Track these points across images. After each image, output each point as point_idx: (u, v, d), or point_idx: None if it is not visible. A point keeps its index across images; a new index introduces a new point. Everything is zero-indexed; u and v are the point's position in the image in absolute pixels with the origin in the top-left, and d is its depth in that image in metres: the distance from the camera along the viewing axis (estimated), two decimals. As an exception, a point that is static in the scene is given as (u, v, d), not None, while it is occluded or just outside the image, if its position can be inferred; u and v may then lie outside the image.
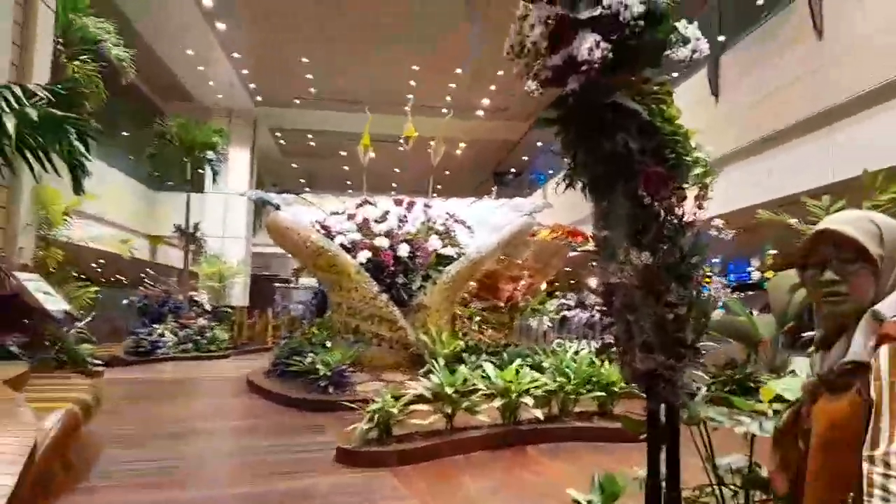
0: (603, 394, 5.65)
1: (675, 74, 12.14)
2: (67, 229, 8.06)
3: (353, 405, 5.39)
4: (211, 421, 6.38)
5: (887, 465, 0.94)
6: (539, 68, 2.21)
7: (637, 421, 2.33)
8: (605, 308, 2.45)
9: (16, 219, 6.78)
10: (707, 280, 2.23)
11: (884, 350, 1.03)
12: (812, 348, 1.30)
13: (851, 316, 1.15)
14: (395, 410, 4.80)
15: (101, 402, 4.85)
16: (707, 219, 2.30)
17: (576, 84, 2.20)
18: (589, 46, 1.96)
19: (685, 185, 2.35)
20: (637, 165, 2.20)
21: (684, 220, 2.28)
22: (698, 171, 2.33)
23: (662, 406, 2.18)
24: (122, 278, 15.24)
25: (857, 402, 1.05)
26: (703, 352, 2.23)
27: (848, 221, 1.20)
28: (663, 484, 2.12)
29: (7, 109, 4.28)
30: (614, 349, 2.42)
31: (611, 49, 1.98)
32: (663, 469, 2.14)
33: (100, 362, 8.71)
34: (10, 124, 4.20)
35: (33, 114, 4.38)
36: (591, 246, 2.62)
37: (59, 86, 5.08)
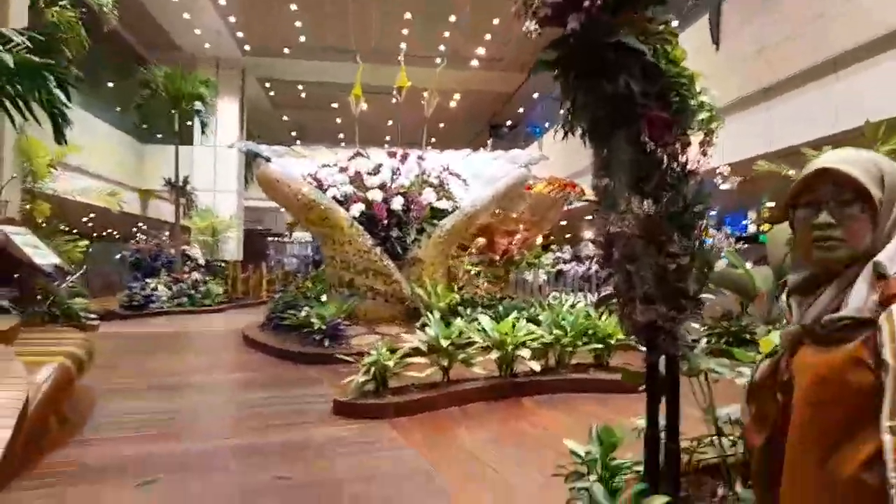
0: (600, 346, 5.67)
1: (675, 23, 11.87)
2: (53, 182, 7.89)
3: (348, 358, 5.39)
4: (206, 374, 6.39)
5: None
6: (538, 6, 2.09)
7: (636, 373, 2.30)
8: (604, 259, 2.39)
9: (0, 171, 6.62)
10: (706, 232, 2.17)
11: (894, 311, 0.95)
12: (787, 293, 1.21)
13: (843, 263, 1.08)
14: (390, 363, 4.80)
15: (93, 356, 4.82)
16: (711, 167, 2.22)
17: (576, 23, 2.08)
18: (593, -21, 1.85)
19: (689, 131, 2.26)
20: (640, 109, 2.10)
21: (688, 167, 2.21)
22: (703, 116, 2.24)
23: (662, 357, 2.14)
24: (114, 232, 15.09)
25: (855, 359, 0.98)
26: (704, 303, 2.18)
27: (850, 161, 1.10)
28: (662, 435, 2.11)
29: (-19, 55, 4.09)
30: (614, 301, 2.38)
31: (615, -17, 1.86)
32: (662, 420, 2.12)
33: (94, 316, 8.68)
34: (-14, 71, 4.02)
35: (9, 60, 4.20)
36: (590, 196, 2.54)
37: (37, 32, 4.86)
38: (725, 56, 10.97)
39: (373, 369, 4.75)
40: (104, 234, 14.89)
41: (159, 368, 6.54)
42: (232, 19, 17.54)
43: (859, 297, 1.02)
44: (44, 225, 8.06)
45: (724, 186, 3.30)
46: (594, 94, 2.13)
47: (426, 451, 3.84)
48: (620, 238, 2.17)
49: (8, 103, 4.49)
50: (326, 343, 6.99)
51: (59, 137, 4.93)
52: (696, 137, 2.18)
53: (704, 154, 2.22)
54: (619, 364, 5.79)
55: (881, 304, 0.98)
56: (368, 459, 3.70)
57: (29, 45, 4.61)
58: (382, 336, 7.01)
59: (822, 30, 8.74)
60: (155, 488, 3.18)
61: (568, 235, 16.52)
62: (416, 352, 5.08)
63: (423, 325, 5.49)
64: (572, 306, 6.76)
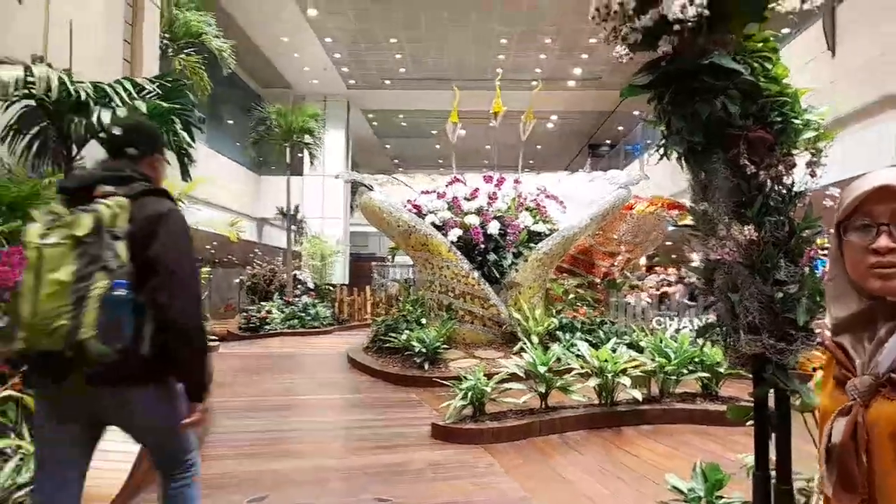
0: (707, 375, 5.38)
1: (784, 31, 11.19)
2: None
3: (446, 382, 5.45)
4: (313, 394, 6.68)
5: None
6: (627, 31, 2.07)
7: (743, 408, 2.18)
8: (705, 287, 2.29)
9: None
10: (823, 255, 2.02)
11: None
12: (833, 331, 1.06)
13: None
14: (487, 388, 4.80)
15: (212, 377, 5.17)
16: (821, 188, 2.08)
17: (668, 46, 2.04)
18: (681, 3, 1.81)
19: (794, 151, 2.14)
20: (738, 131, 2.02)
21: (794, 189, 2.08)
22: (809, 134, 2.11)
23: (771, 391, 2.01)
24: (234, 258, 16.21)
25: None
26: (818, 332, 2.03)
27: None
28: (773, 475, 1.97)
29: (120, 104, 4.59)
30: (717, 330, 2.27)
31: (706, 5, 1.81)
32: (773, 458, 1.98)
33: (215, 338, 9.35)
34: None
35: (143, 106, 4.67)
36: (689, 220, 2.46)
37: (165, 78, 5.38)
38: (843, 63, 10.20)
39: (470, 394, 4.78)
40: (225, 260, 16.00)
41: (272, 388, 6.91)
42: (337, 55, 18.53)
43: None
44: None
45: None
46: (690, 118, 2.07)
47: (523, 479, 3.80)
48: (722, 265, 2.08)
49: (142, 146, 4.97)
50: (426, 366, 7.10)
51: (185, 175, 5.40)
52: (802, 158, 2.05)
53: (813, 175, 2.09)
54: (730, 394, 5.47)
55: None
56: (466, 485, 3.71)
57: (159, 91, 5.12)
58: (480, 360, 7.03)
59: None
60: (264, 505, 3.36)
61: (674, 256, 15.83)
62: (513, 377, 5.06)
63: (521, 350, 5.46)
64: (677, 331, 6.46)
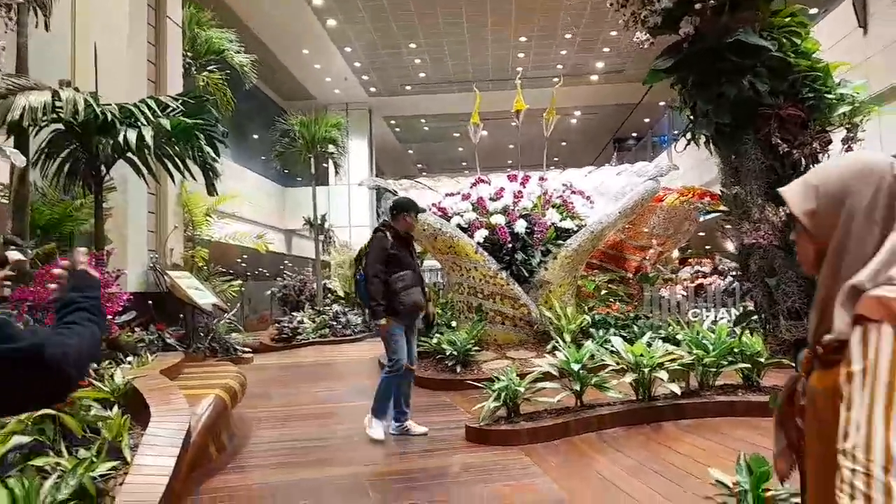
0: (747, 365, 5.23)
1: (812, 11, 10.88)
2: (210, 228, 8.74)
3: (479, 384, 5.39)
4: (347, 401, 6.69)
5: (854, 458, 0.87)
6: (647, 14, 2.01)
7: (786, 397, 2.08)
8: (741, 272, 2.22)
9: (164, 222, 7.45)
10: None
11: (855, 333, 0.93)
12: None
13: (812, 275, 1.07)
14: (521, 388, 4.74)
15: (245, 388, 5.23)
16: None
17: (690, 27, 1.98)
18: (702, -21, 1.75)
19: (829, 128, 2.05)
20: (769, 110, 1.94)
21: (831, 167, 1.98)
22: (844, 109, 2.01)
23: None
24: (264, 271, 16.43)
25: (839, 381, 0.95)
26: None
27: (794, 183, 1.09)
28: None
29: (145, 122, 4.67)
30: (755, 317, 2.19)
31: (728, -21, 1.75)
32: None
33: (248, 350, 9.46)
34: (149, 135, 4.57)
35: (167, 124, 4.76)
36: (723, 207, 2.38)
37: (189, 96, 5.47)
38: (875, 40, 9.87)
39: (503, 395, 4.72)
40: (256, 272, 16.22)
41: (305, 397, 6.94)
42: (357, 64, 18.68)
43: (840, 319, 0.98)
44: (203, 268, 8.95)
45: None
46: (716, 100, 2.00)
47: (562, 479, 3.73)
48: (757, 250, 2.00)
49: (168, 162, 5.06)
50: (458, 369, 7.05)
51: (211, 189, 5.48)
52: (837, 134, 1.97)
53: (850, 151, 2.00)
54: (773, 383, 5.31)
55: (852, 324, 0.94)
56: (503, 487, 3.65)
57: (182, 108, 5.21)
58: (512, 361, 6.96)
59: None
60: (301, 513, 3.35)
61: (707, 247, 15.51)
62: (546, 376, 4.98)
63: (554, 349, 5.38)
64: (714, 323, 6.31)
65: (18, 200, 4.86)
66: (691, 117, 2.25)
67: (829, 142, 2.06)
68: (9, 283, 1.38)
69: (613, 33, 16.29)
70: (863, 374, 0.90)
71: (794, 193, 1.08)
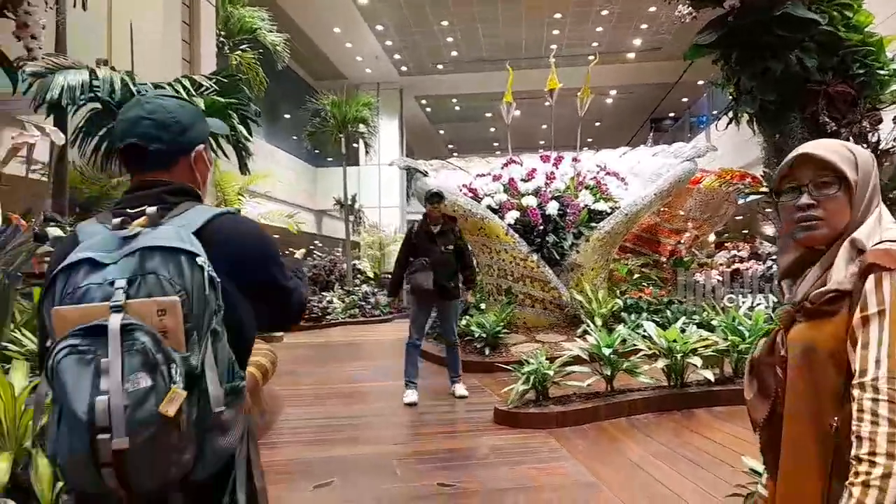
0: (784, 353, 5.09)
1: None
2: (242, 208, 8.83)
3: (507, 367, 5.36)
4: (375, 381, 6.74)
5: (876, 389, 0.97)
6: (690, -15, 1.92)
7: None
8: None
9: (199, 201, 7.54)
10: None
11: (869, 281, 1.03)
12: (778, 277, 1.30)
13: (824, 242, 1.14)
14: (550, 372, 4.70)
15: (276, 365, 5.29)
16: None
17: (736, -1, 1.87)
18: (752, -55, 1.65)
19: (880, 106, 1.94)
20: (816, 86, 1.84)
21: (880, 147, 1.89)
22: (899, 86, 1.90)
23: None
24: (295, 251, 16.62)
25: (842, 326, 1.06)
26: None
27: (825, 147, 1.18)
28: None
29: (179, 101, 4.69)
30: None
31: (780, -55, 1.65)
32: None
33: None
34: (182, 115, 4.59)
35: (201, 103, 4.77)
36: (764, 189, 2.28)
37: (222, 75, 5.48)
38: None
39: (532, 378, 4.68)
40: (286, 252, 16.42)
41: (335, 376, 7.01)
42: (388, 43, 18.57)
43: (840, 272, 1.09)
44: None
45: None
46: (761, 76, 1.90)
47: (591, 464, 3.69)
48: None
49: (201, 141, 5.08)
50: (487, 351, 7.04)
51: (244, 169, 5.50)
52: (888, 112, 1.86)
53: (905, 130, 1.89)
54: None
55: (860, 275, 1.05)
56: (531, 470, 3.63)
57: (216, 87, 5.22)
58: (542, 344, 6.91)
59: None
60: (329, 491, 3.39)
61: (745, 231, 15.14)
62: (576, 360, 4.93)
63: (584, 333, 5.31)
64: (751, 308, 6.16)
65: (58, 179, 4.95)
66: (734, 95, 2.16)
67: (880, 120, 1.96)
68: (48, 258, 1.45)
69: (652, 9, 15.85)
70: (879, 315, 1.01)
71: (842, 160, 1.15)
